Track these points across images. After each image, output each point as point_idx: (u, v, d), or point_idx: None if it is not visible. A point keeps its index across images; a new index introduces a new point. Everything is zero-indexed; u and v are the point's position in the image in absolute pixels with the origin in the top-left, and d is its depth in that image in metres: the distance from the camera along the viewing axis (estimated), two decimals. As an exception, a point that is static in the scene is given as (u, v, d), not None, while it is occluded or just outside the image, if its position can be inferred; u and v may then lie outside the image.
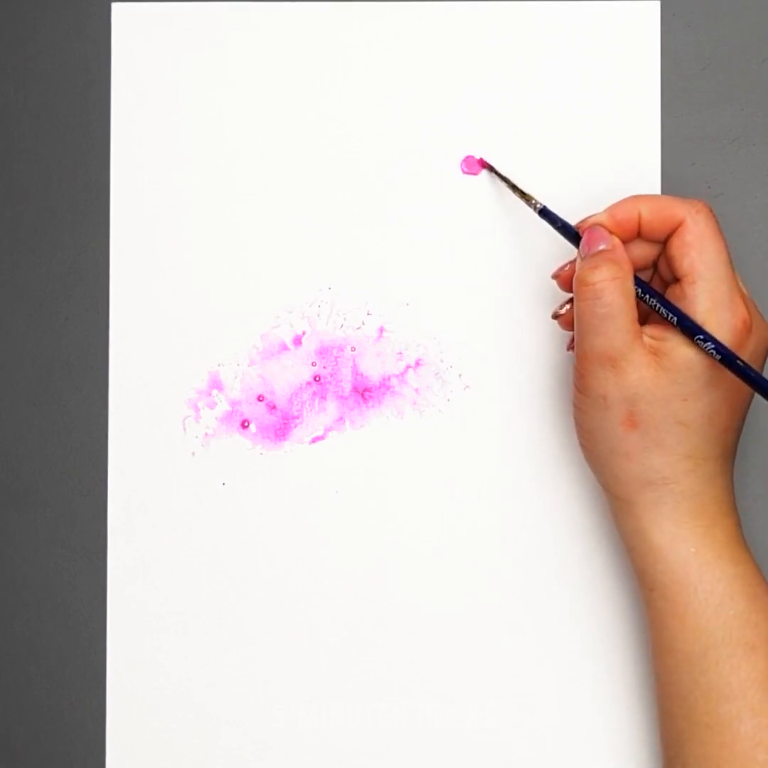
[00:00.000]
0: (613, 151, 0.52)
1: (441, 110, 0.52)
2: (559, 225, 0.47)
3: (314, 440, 0.52)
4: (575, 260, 0.46)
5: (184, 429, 0.52)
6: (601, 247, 0.44)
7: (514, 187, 0.49)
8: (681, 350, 0.43)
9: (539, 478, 0.51)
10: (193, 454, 0.52)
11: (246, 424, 0.52)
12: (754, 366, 0.43)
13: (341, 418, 0.52)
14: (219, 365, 0.52)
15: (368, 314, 0.52)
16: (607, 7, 0.52)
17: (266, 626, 0.51)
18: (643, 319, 0.45)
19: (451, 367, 0.52)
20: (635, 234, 0.45)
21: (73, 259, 0.53)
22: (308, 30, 0.52)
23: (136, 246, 0.52)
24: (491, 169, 0.51)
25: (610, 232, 0.45)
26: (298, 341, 0.52)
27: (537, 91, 0.52)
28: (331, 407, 0.52)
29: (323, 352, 0.52)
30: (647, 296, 0.44)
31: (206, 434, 0.52)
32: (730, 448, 0.44)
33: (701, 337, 0.42)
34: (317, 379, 0.52)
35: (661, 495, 0.43)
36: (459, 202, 0.52)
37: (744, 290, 0.45)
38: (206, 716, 0.51)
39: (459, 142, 0.52)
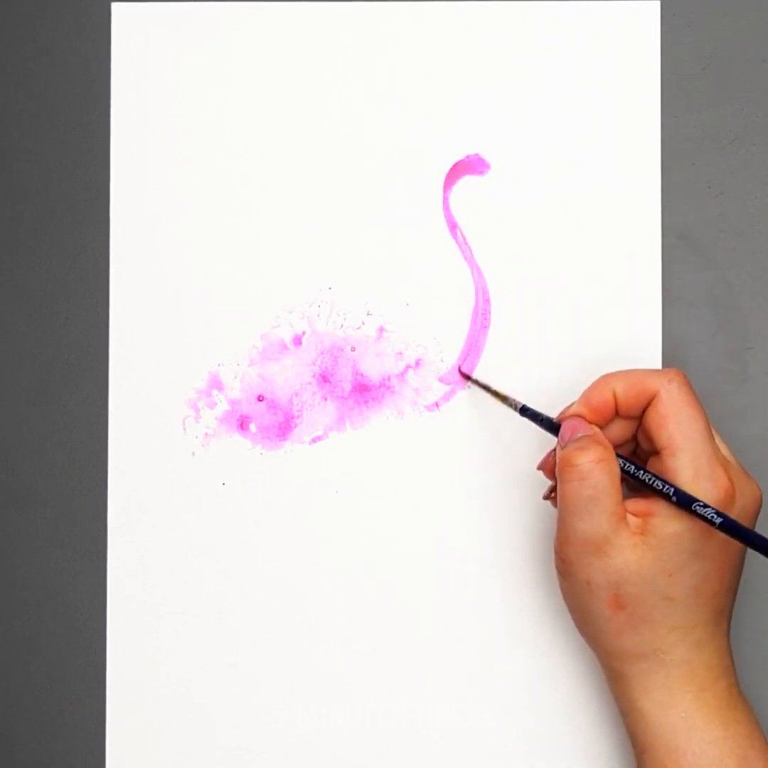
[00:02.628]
0: (613, 151, 0.52)
1: (441, 110, 0.52)
2: (542, 419, 0.47)
3: (314, 440, 0.52)
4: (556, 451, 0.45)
5: (184, 429, 0.52)
6: (580, 435, 0.44)
7: (494, 393, 0.49)
8: (668, 525, 0.42)
9: (539, 477, 0.51)
10: (193, 454, 0.52)
11: (246, 424, 0.52)
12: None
13: (341, 418, 0.52)
14: (219, 365, 0.52)
15: (368, 314, 0.52)
16: (607, 7, 0.52)
17: (266, 626, 0.51)
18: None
19: (451, 366, 0.52)
20: (613, 415, 0.45)
21: (73, 259, 0.53)
22: (308, 30, 0.52)
23: (136, 246, 0.52)
24: (469, 378, 0.51)
25: (589, 421, 0.45)
26: (298, 341, 0.52)
27: (537, 91, 0.52)
28: (331, 407, 0.52)
29: (323, 352, 0.52)
30: (640, 472, 0.44)
31: (206, 434, 0.52)
32: (720, 611, 0.44)
33: (700, 504, 0.42)
34: (317, 378, 0.52)
35: (652, 665, 0.43)
36: (459, 201, 0.52)
37: (726, 453, 0.44)
38: (206, 716, 0.51)
39: (459, 142, 0.52)
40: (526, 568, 0.51)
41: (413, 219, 0.52)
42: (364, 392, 0.52)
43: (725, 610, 0.44)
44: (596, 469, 0.43)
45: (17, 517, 0.52)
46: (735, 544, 0.43)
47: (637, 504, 0.44)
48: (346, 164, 0.52)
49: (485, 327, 0.52)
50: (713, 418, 0.44)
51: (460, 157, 0.52)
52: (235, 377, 0.52)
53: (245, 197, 0.52)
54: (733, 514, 0.43)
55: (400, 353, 0.52)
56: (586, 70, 0.52)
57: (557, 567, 0.45)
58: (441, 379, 0.52)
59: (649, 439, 0.45)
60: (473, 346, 0.52)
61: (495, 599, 0.51)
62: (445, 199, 0.52)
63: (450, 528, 0.51)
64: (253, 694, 0.51)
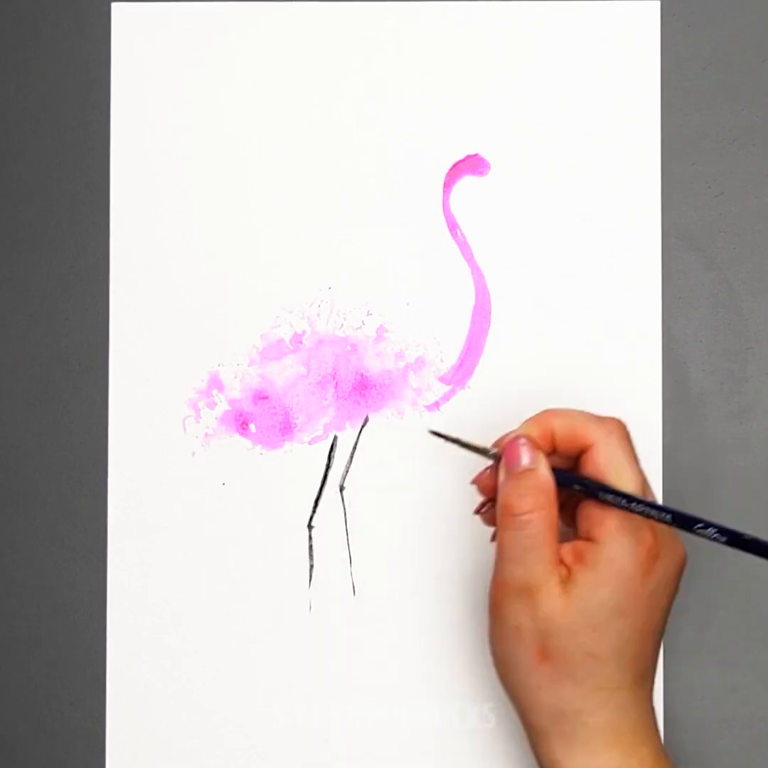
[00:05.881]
0: (613, 151, 0.52)
1: (441, 110, 0.52)
2: (484, 450, 0.45)
3: (314, 440, 0.52)
4: (492, 468, 0.45)
5: (184, 429, 0.52)
6: (524, 461, 0.43)
7: (465, 445, 0.46)
8: (589, 576, 0.42)
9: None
10: (193, 454, 0.52)
11: (246, 424, 0.52)
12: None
13: (341, 418, 0.52)
14: (219, 365, 0.52)
15: (368, 314, 0.52)
16: (607, 7, 0.52)
17: (266, 626, 0.51)
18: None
19: (451, 366, 0.52)
20: (551, 449, 0.44)
21: (73, 259, 0.53)
22: (308, 30, 0.52)
23: (136, 246, 0.52)
24: (438, 434, 0.46)
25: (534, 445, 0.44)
26: (298, 341, 0.52)
27: (537, 91, 0.52)
28: (331, 407, 0.52)
29: (323, 352, 0.52)
30: (632, 504, 0.42)
31: (206, 434, 0.52)
32: (644, 674, 0.43)
33: (701, 525, 0.41)
34: (317, 378, 0.52)
35: (574, 727, 0.42)
36: (459, 201, 0.52)
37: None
38: (206, 716, 0.51)
39: (459, 142, 0.52)
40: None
41: (413, 219, 0.52)
42: (364, 392, 0.52)
43: (648, 673, 0.43)
44: (536, 518, 0.42)
45: (17, 517, 0.52)
46: (658, 605, 0.43)
47: (568, 552, 0.43)
48: (346, 164, 0.52)
49: (485, 327, 0.52)
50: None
51: (460, 157, 0.52)
52: (235, 377, 0.52)
53: (245, 197, 0.52)
54: (655, 575, 0.42)
55: (400, 353, 0.52)
56: (586, 71, 0.52)
57: (489, 610, 0.44)
58: (441, 379, 0.52)
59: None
60: (473, 346, 0.52)
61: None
62: (445, 199, 0.52)
63: (450, 527, 0.51)
64: (253, 694, 0.51)
